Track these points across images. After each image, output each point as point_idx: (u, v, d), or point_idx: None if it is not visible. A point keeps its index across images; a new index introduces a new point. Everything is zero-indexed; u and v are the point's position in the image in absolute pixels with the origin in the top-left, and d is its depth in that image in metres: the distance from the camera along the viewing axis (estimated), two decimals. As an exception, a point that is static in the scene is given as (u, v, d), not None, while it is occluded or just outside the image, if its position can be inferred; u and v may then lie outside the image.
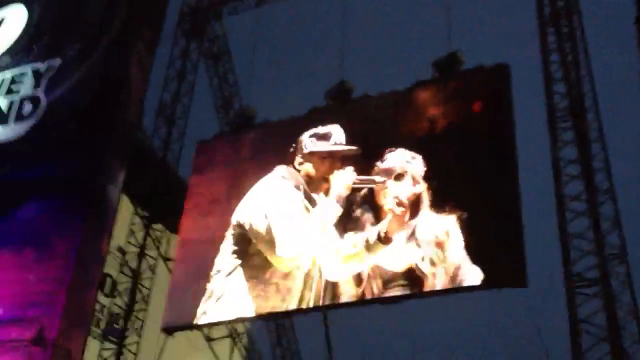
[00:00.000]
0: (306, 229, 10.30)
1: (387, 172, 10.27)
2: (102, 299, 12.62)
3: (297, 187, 10.54)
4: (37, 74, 14.05)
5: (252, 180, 11.36)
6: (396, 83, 11.72)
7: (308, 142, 10.91)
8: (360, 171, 10.36)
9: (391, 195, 10.07)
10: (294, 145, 11.09)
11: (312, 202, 10.49)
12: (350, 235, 10.20)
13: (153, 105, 15.24)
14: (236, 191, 11.53)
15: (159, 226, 14.07)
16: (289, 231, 10.29)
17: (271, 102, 15.09)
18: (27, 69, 14.10)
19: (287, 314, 11.26)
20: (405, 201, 9.96)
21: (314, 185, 10.57)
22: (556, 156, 11.08)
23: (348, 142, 10.68)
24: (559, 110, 11.69)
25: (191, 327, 11.07)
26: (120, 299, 13.07)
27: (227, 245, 10.96)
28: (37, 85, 13.79)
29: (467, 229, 9.45)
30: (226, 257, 10.90)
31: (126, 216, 13.85)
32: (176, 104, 15.04)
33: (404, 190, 10.06)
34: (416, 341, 31.34)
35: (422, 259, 9.53)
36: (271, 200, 10.71)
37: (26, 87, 13.86)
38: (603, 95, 12.14)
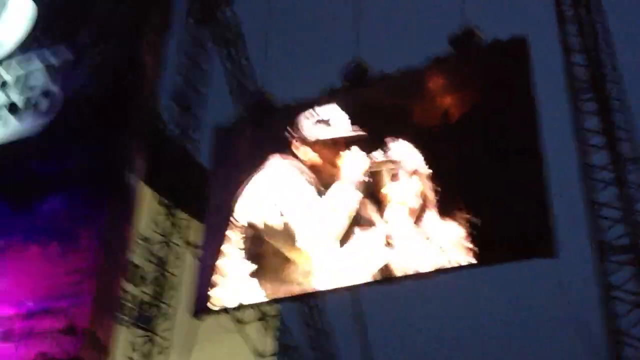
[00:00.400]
0: (324, 217, 10.20)
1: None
2: (130, 288, 12.71)
3: (303, 176, 10.48)
4: (50, 69, 14.13)
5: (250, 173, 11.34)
6: (412, 60, 11.65)
7: (308, 127, 10.77)
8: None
9: (399, 186, 10.00)
10: (289, 130, 11.06)
11: (324, 189, 10.37)
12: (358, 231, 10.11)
13: (168, 93, 15.25)
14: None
15: (182, 214, 14.12)
16: (308, 222, 10.20)
17: (286, 86, 15.04)
18: (40, 64, 14.18)
19: (311, 294, 11.31)
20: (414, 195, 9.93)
21: (322, 173, 10.49)
22: (579, 127, 10.98)
23: (350, 124, 10.59)
24: (579, 82, 11.57)
25: (220, 311, 11.14)
26: (148, 287, 13.15)
27: (236, 249, 10.91)
28: (51, 79, 13.88)
29: (490, 206, 9.47)
30: (236, 261, 10.85)
31: (150, 206, 13.91)
32: (191, 90, 15.01)
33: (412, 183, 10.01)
34: (446, 319, 31.49)
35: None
36: (281, 195, 10.58)
37: (41, 83, 13.94)
38: (624, 64, 12.01)
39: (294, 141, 10.95)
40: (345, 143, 10.42)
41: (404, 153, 10.22)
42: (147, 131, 13.41)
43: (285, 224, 10.30)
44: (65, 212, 12.14)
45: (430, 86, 11.15)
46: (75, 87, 13.49)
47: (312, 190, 10.39)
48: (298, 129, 11.03)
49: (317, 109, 11.23)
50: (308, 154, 10.69)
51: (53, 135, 13.05)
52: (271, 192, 10.79)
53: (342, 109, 11.08)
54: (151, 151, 13.15)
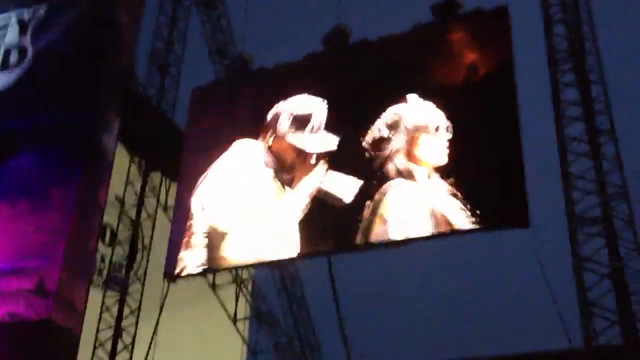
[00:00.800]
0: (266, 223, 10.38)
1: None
2: (102, 248, 12.61)
3: (267, 166, 10.64)
4: (22, 22, 13.78)
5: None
6: (394, 27, 11.56)
7: (284, 123, 10.78)
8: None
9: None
10: (269, 118, 11.04)
11: (284, 185, 10.52)
12: None
13: (146, 54, 14.98)
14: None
15: (157, 174, 13.99)
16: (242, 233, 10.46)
17: (267, 48, 14.86)
18: (12, 17, 13.82)
19: (292, 260, 11.37)
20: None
21: (284, 170, 10.59)
22: (557, 98, 11.01)
23: (330, 120, 10.55)
24: (559, 52, 11.57)
25: (192, 274, 11.10)
26: (120, 248, 13.06)
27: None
28: (22, 33, 13.54)
29: (464, 175, 9.51)
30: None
31: (124, 166, 13.75)
32: (169, 52, 14.77)
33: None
34: (419, 286, 31.90)
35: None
36: (235, 191, 10.80)
37: (11, 36, 13.61)
38: (603, 38, 12.02)
39: (266, 125, 11.02)
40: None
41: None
42: (123, 91, 13.21)
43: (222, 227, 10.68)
44: (37, 170, 11.95)
45: (413, 54, 11.09)
46: (48, 43, 13.20)
47: (271, 184, 10.52)
48: (275, 116, 11.09)
49: (292, 101, 11.18)
50: (277, 147, 10.78)
51: (23, 91, 12.80)
52: (227, 186, 10.99)
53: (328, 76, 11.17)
54: (126, 111, 12.96)
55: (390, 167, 9.97)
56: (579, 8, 11.85)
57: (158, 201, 13.77)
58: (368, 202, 9.88)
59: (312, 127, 10.67)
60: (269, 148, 10.85)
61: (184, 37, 15.13)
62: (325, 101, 10.83)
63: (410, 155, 9.97)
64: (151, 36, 14.89)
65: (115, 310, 12.40)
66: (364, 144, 10.24)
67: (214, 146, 11.58)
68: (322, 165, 10.40)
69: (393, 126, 10.24)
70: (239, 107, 12.07)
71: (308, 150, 10.53)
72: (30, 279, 10.83)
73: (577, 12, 11.84)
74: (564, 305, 8.88)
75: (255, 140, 11.16)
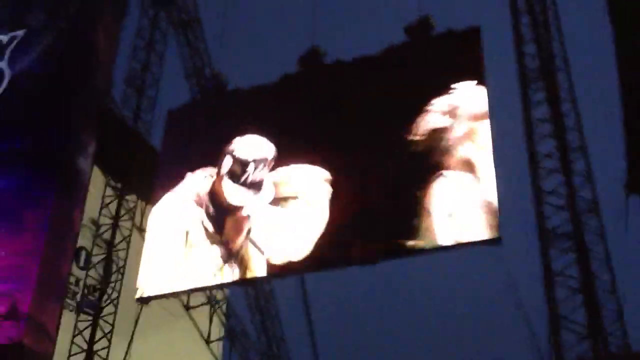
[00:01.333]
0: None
1: None
2: (76, 271, 12.48)
3: (200, 207, 10.76)
4: (0, 46, 13.77)
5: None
6: (369, 48, 11.66)
7: (226, 164, 10.97)
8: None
9: None
10: (225, 151, 11.14)
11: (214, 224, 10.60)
12: None
13: (123, 76, 15.01)
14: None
15: (132, 197, 13.91)
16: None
17: (243, 70, 14.92)
18: (-7, 43, 13.81)
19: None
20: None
21: (215, 213, 10.70)
22: (528, 115, 11.14)
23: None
24: (530, 71, 11.73)
25: (165, 295, 11.02)
26: (95, 271, 12.93)
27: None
28: (0, 58, 13.52)
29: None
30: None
31: (99, 188, 13.67)
32: (146, 73, 14.80)
33: None
34: (392, 301, 31.85)
35: None
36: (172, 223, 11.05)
37: (-11, 61, 13.57)
38: (573, 56, 12.20)
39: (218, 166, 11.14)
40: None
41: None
42: (99, 113, 13.18)
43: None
44: (12, 193, 11.86)
45: (385, 74, 11.15)
46: (25, 66, 13.18)
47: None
48: (223, 155, 11.24)
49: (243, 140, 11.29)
50: (217, 186, 10.91)
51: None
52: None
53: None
54: (102, 133, 12.93)
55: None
56: (549, 26, 12.05)
57: (133, 223, 13.68)
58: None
59: (247, 177, 10.76)
60: (212, 187, 10.97)
61: (161, 58, 15.20)
62: (273, 145, 10.87)
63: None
64: (129, 57, 14.94)
65: (87, 333, 12.24)
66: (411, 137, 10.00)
67: (184, 169, 11.58)
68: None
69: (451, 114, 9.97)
70: (206, 133, 12.10)
71: (229, 200, 10.70)
72: (3, 302, 10.68)
73: (547, 31, 12.03)
74: (535, 320, 8.87)
75: (205, 174, 11.24)
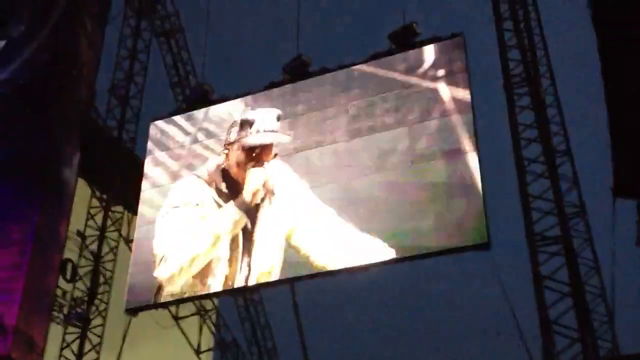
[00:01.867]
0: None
1: None
2: (63, 284, 12.36)
3: (209, 184, 10.44)
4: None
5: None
6: (354, 56, 11.68)
7: (233, 132, 10.57)
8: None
9: None
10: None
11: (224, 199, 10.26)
12: None
13: (107, 86, 14.92)
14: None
15: (118, 208, 13.83)
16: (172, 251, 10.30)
17: (228, 79, 14.89)
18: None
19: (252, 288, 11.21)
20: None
21: (233, 181, 10.31)
22: (514, 121, 11.21)
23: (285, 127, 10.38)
24: (515, 76, 11.82)
25: (154, 306, 10.92)
26: (82, 283, 12.82)
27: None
28: (-20, 67, 13.38)
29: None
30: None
31: (84, 200, 13.57)
32: (129, 83, 14.73)
33: None
34: (382, 308, 31.88)
35: None
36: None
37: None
38: (557, 61, 12.32)
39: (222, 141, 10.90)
40: (261, 148, 10.29)
41: None
42: (83, 124, 13.10)
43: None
44: (-4, 206, 11.74)
45: (371, 82, 11.14)
46: (7, 76, 13.06)
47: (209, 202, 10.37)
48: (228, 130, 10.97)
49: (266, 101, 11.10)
50: (228, 158, 10.60)
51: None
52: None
53: (283, 102, 10.98)
54: (87, 144, 12.84)
55: None
56: (532, 32, 12.15)
57: (120, 234, 13.59)
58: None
59: (258, 129, 10.46)
60: (221, 167, 10.66)
61: (145, 68, 15.14)
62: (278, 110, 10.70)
63: None
64: (112, 67, 14.87)
65: (76, 346, 12.13)
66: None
67: (171, 179, 11.49)
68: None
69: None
70: (194, 142, 11.97)
71: (250, 143, 10.33)
72: (-11, 316, 10.57)
73: (530, 37, 12.13)
74: (525, 324, 8.91)
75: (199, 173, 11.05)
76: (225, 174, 10.54)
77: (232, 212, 10.09)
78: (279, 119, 10.60)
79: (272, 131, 10.43)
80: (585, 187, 10.15)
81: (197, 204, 10.54)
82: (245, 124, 10.66)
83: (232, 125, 10.89)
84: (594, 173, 10.41)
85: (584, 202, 10.11)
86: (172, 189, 11.22)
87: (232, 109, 11.46)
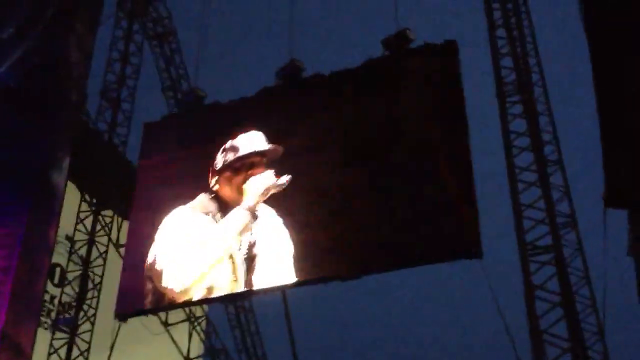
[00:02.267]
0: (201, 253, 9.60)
1: None
2: (51, 289, 12.26)
3: (206, 214, 9.72)
4: (-30, 59, 13.53)
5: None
6: (347, 62, 11.67)
7: (219, 157, 10.02)
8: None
9: None
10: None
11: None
12: None
13: (98, 89, 14.84)
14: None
15: (108, 212, 13.73)
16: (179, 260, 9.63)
17: (221, 83, 14.85)
18: (-37, 56, 13.55)
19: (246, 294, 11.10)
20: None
21: (231, 207, 9.70)
22: (506, 129, 11.22)
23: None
24: (507, 85, 11.84)
25: (144, 312, 10.82)
26: (70, 288, 12.72)
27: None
28: (-32, 70, 13.27)
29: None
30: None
31: (74, 204, 13.47)
32: (121, 86, 14.65)
33: None
34: (374, 317, 31.88)
35: None
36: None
37: (-40, 74, 13.31)
38: (549, 69, 12.35)
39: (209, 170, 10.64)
40: (255, 162, 9.66)
41: None
42: (73, 127, 13.00)
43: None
44: (-17, 209, 11.62)
45: (363, 88, 11.13)
46: (-4, 78, 12.95)
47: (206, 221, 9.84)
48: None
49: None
50: (220, 187, 10.09)
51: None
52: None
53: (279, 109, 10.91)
54: (77, 147, 12.74)
55: None
56: (525, 40, 12.18)
57: (109, 239, 13.49)
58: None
59: (247, 149, 9.73)
60: (213, 193, 10.46)
61: (137, 71, 15.07)
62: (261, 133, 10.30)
63: None
64: (103, 70, 14.80)
65: (64, 351, 12.02)
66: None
67: (165, 184, 11.38)
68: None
69: None
70: (188, 147, 11.87)
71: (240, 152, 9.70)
72: (-25, 321, 10.44)
73: (523, 45, 12.16)
74: (516, 334, 8.89)
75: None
76: (219, 200, 10.32)
77: (238, 222, 9.82)
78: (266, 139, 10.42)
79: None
80: (576, 197, 10.15)
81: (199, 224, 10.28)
82: (231, 150, 10.48)
83: (221, 152, 10.67)
84: (585, 182, 10.42)
85: (574, 211, 10.11)
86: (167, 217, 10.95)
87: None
